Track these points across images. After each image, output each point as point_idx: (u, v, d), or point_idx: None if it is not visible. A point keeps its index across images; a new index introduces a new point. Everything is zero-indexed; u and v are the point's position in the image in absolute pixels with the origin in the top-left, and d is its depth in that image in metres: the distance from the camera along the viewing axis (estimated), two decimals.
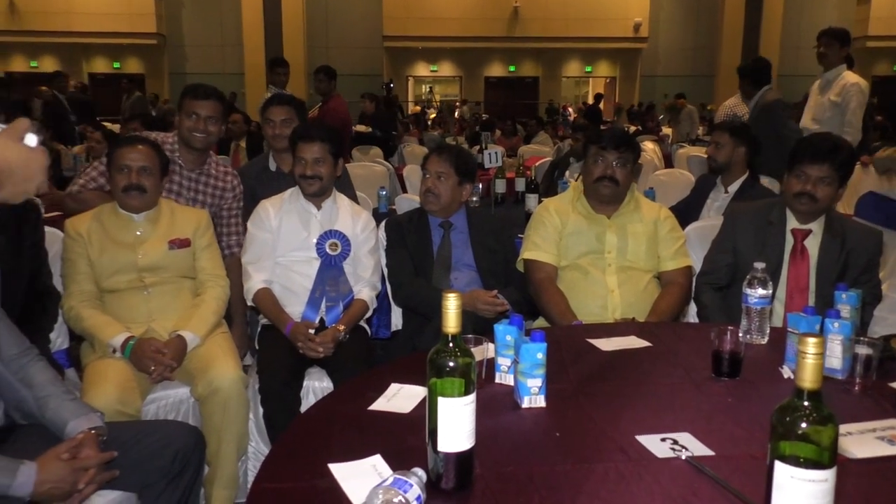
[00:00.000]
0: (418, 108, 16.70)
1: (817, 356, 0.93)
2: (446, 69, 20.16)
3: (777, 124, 4.71)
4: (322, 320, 2.63)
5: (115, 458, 1.67)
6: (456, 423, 1.18)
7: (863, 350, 1.64)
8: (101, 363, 2.31)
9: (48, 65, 18.05)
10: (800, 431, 0.94)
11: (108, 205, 2.55)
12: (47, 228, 2.59)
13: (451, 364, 1.17)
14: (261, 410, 2.39)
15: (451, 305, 1.18)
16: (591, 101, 20.01)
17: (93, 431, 1.69)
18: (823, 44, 4.84)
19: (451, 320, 1.18)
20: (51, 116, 7.55)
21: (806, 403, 0.94)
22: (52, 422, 1.73)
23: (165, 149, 2.72)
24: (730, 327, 1.72)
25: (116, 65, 18.76)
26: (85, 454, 1.62)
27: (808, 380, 0.94)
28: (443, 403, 1.17)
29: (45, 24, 16.89)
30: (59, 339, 2.54)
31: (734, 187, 3.59)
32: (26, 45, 17.75)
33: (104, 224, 2.49)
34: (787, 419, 0.95)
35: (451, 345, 1.18)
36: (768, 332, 1.96)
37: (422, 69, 20.16)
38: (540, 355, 1.52)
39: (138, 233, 2.50)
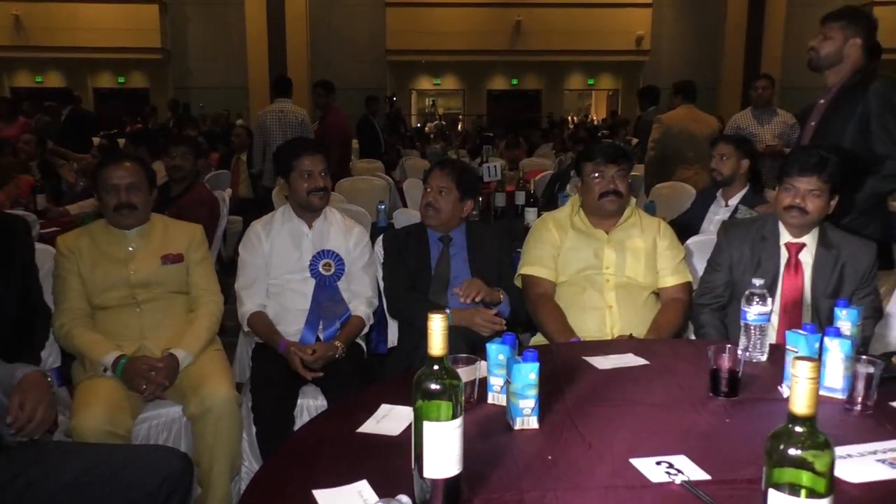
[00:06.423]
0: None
1: (812, 381, 0.90)
2: (449, 82, 20.16)
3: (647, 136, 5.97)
4: (318, 339, 2.60)
5: None
6: (443, 449, 1.14)
7: (863, 368, 1.59)
8: (91, 382, 2.29)
9: (53, 80, 18.12)
10: (794, 459, 0.91)
11: (100, 221, 2.53)
12: (40, 245, 2.58)
13: (438, 387, 1.14)
14: (254, 429, 2.36)
15: (438, 327, 1.15)
16: (592, 114, 20.02)
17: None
18: None
19: (438, 342, 1.15)
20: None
21: (800, 430, 0.91)
22: (8, 386, 1.76)
23: None
24: (728, 344, 1.68)
25: (121, 80, 18.82)
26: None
27: (802, 405, 0.90)
28: (429, 428, 1.14)
29: (50, 40, 16.91)
30: (50, 358, 2.51)
31: (734, 201, 3.56)
32: (31, 60, 17.79)
33: (96, 240, 2.47)
34: (781, 446, 0.91)
35: (436, 367, 1.15)
36: (768, 349, 1.92)
37: (425, 83, 20.16)
38: (532, 375, 1.48)
39: (130, 248, 2.48)
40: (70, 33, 16.97)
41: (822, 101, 3.00)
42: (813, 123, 2.99)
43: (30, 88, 17.85)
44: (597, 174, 2.55)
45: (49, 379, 1.83)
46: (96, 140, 8.31)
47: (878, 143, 2.74)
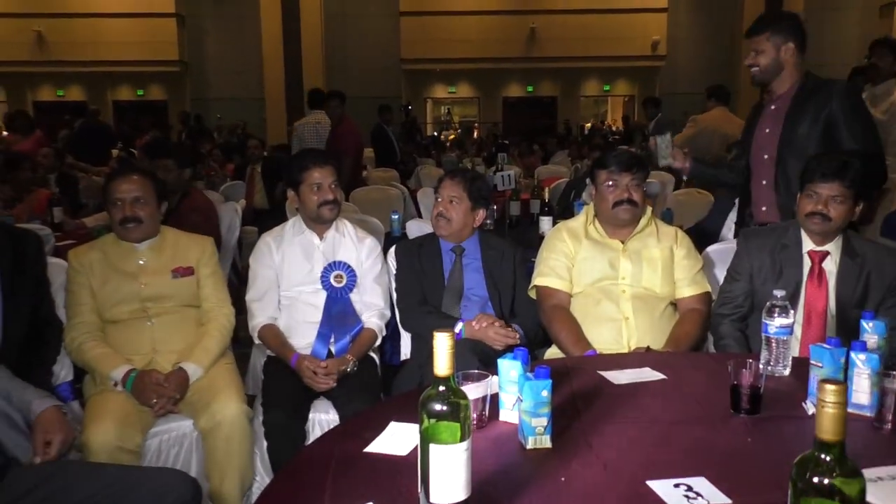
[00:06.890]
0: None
1: (838, 405, 0.84)
2: (464, 90, 20.17)
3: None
4: (330, 353, 2.57)
5: None
6: (450, 472, 1.10)
7: (892, 384, 1.53)
8: (101, 397, 2.27)
9: (74, 94, 18.38)
10: (822, 489, 0.85)
11: (111, 234, 2.52)
12: (53, 259, 2.58)
13: (444, 408, 1.10)
14: (265, 444, 2.32)
15: (443, 346, 1.11)
16: (609, 120, 19.92)
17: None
18: (876, 55, 4.65)
19: (444, 362, 1.11)
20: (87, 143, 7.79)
21: (827, 458, 0.85)
22: (19, 406, 1.87)
23: None
24: (749, 359, 1.62)
25: (140, 92, 19.04)
26: None
27: (829, 431, 0.85)
28: (435, 451, 1.09)
29: (71, 55, 17.19)
30: (62, 372, 2.50)
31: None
32: (54, 74, 18.07)
33: (107, 254, 2.46)
34: (808, 474, 0.86)
35: (443, 388, 1.11)
36: (791, 362, 1.85)
37: (440, 91, 20.18)
38: (545, 393, 1.43)
39: (141, 262, 2.47)
40: (91, 47, 17.22)
41: (773, 108, 2.90)
42: (767, 130, 2.89)
43: (52, 102, 18.12)
44: (611, 182, 2.49)
45: (65, 413, 1.90)
46: (115, 152, 8.38)
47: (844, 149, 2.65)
